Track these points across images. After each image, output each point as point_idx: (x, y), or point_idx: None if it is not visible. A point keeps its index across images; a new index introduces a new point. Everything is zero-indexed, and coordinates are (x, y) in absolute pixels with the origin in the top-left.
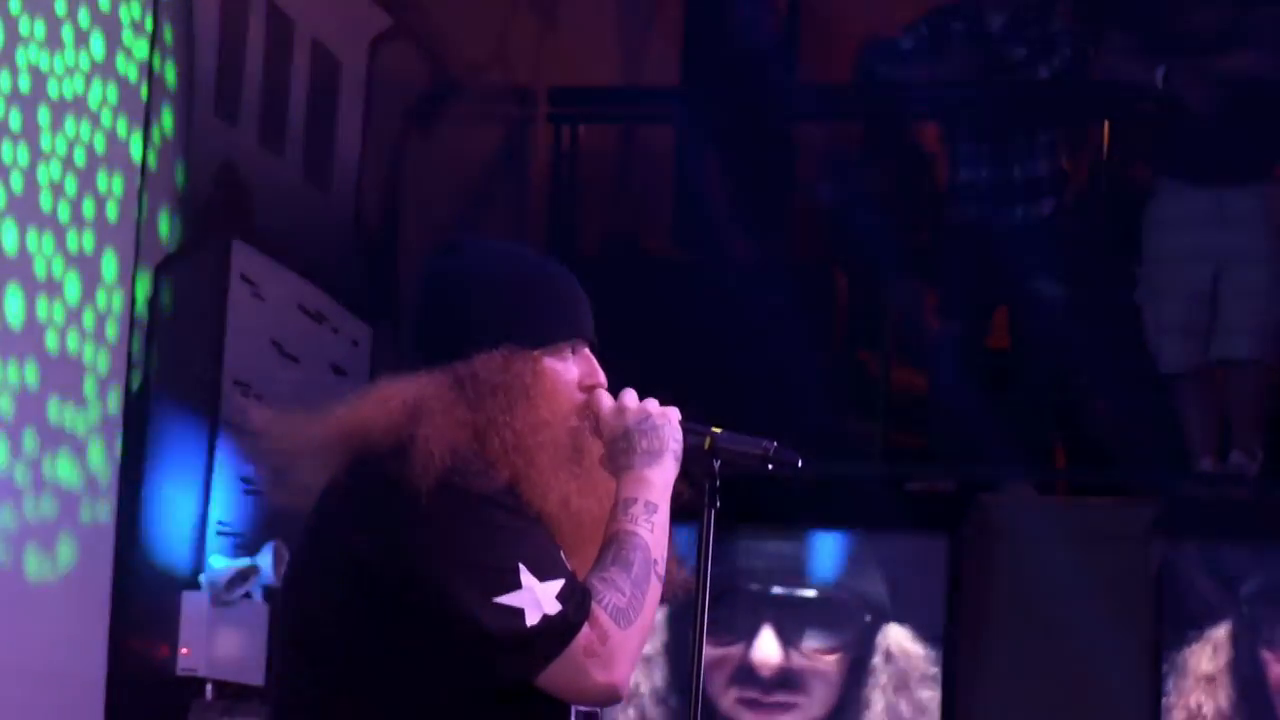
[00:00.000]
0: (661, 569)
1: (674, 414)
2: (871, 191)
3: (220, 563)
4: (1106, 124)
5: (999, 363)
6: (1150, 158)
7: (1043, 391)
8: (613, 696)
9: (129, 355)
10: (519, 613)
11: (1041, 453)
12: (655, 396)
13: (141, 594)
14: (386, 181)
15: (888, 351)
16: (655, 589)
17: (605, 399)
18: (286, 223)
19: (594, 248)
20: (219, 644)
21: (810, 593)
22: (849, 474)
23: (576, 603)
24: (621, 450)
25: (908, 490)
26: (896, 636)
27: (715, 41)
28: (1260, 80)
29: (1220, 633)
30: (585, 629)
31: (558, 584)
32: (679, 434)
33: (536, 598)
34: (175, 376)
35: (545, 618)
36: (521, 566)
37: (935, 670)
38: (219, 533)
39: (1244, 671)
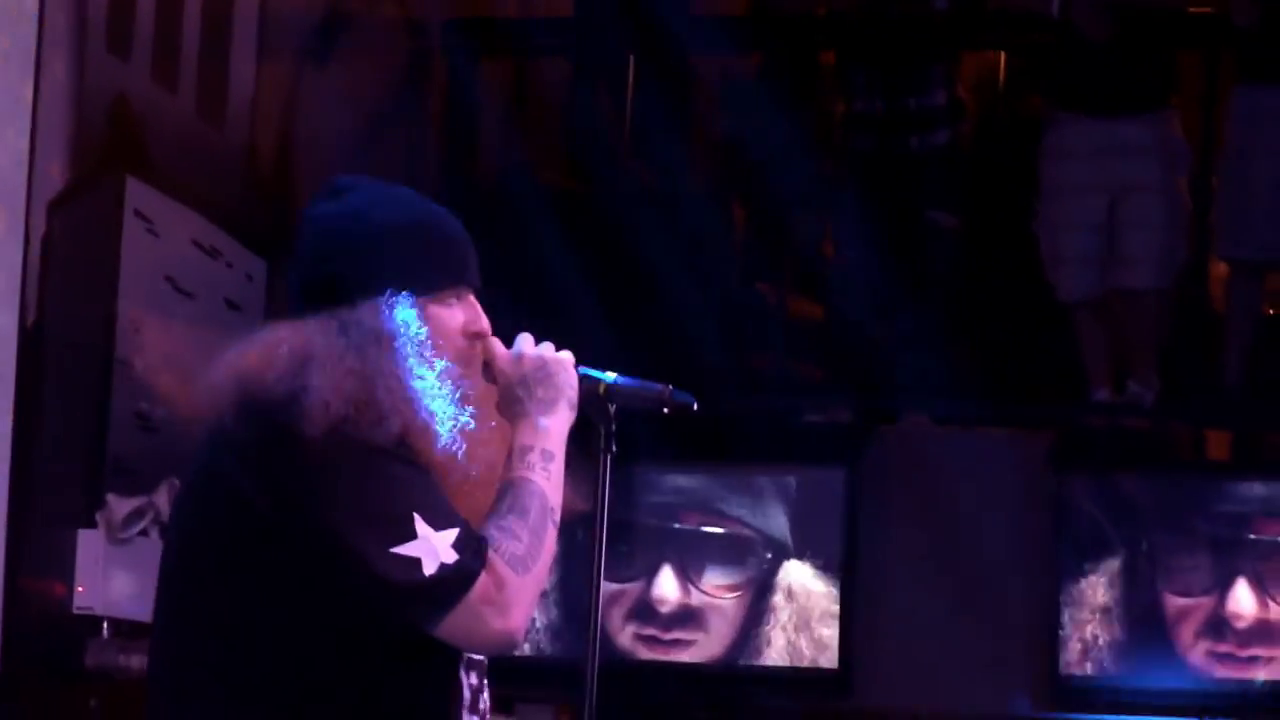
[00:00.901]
0: (558, 517)
1: (569, 360)
2: (768, 123)
3: (116, 500)
4: (1002, 54)
5: (896, 293)
6: (1045, 88)
7: (940, 322)
8: (509, 644)
9: (22, 292)
10: (416, 562)
11: (939, 384)
12: (552, 330)
13: (37, 532)
14: (281, 116)
15: (785, 283)
16: (552, 536)
17: (499, 346)
18: (180, 158)
19: (490, 180)
20: (115, 582)
21: (711, 529)
22: (747, 407)
23: (473, 551)
24: (517, 398)
25: (806, 422)
26: (798, 573)
27: None
28: (1155, 10)
29: (1116, 564)
30: (483, 577)
31: (453, 533)
32: (574, 380)
33: (433, 546)
34: (69, 312)
35: (442, 566)
36: (417, 516)
37: (836, 608)
38: (114, 470)
39: (1140, 602)
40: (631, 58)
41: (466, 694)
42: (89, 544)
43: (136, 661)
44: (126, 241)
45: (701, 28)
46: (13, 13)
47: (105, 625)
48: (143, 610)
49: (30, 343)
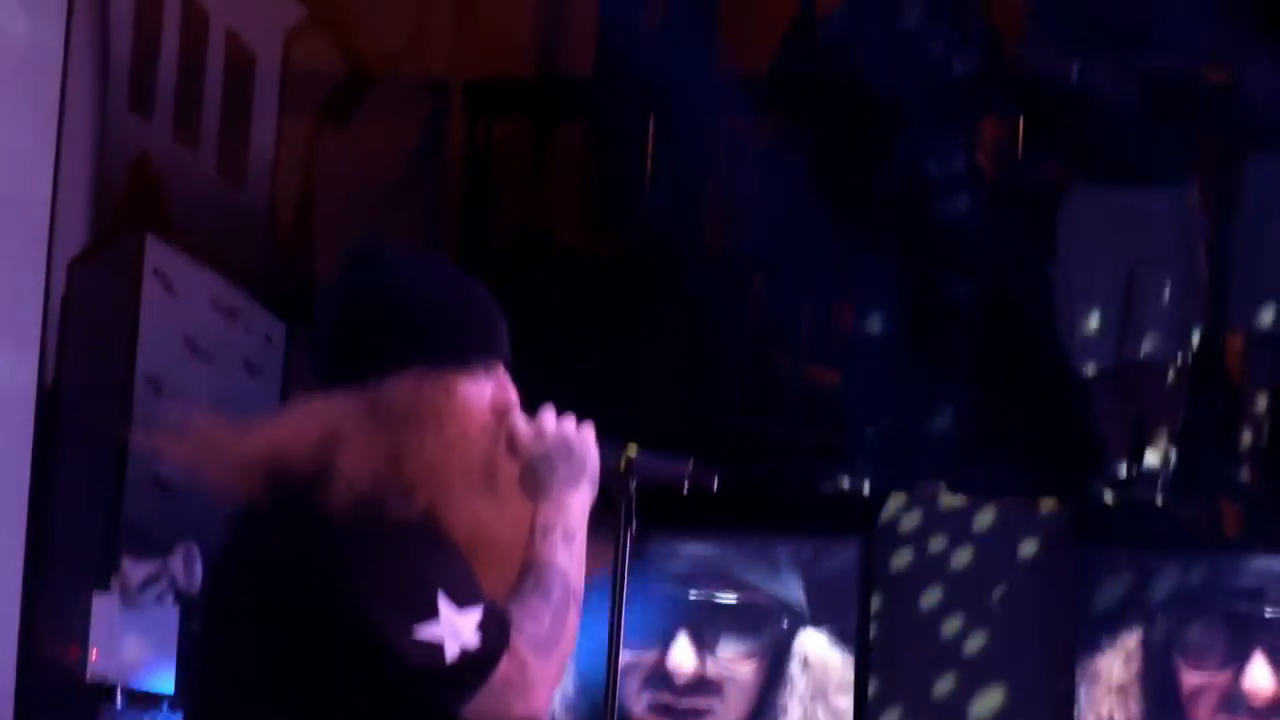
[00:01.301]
0: (580, 597)
1: (590, 435)
2: (788, 187)
3: (131, 564)
4: (1021, 121)
5: (915, 361)
6: (1065, 156)
7: (957, 391)
8: None
9: (41, 351)
10: (438, 647)
11: (955, 453)
12: (566, 392)
13: (52, 596)
14: (301, 175)
15: (801, 350)
16: (574, 617)
17: (522, 421)
18: (201, 217)
19: (508, 242)
20: (129, 647)
21: (726, 597)
22: (763, 474)
23: (496, 632)
24: (539, 474)
25: (821, 491)
26: (813, 642)
27: (631, 34)
28: (1176, 78)
29: (1132, 639)
30: (505, 659)
31: (476, 612)
32: (596, 456)
33: (456, 628)
34: (87, 373)
35: (464, 652)
36: (441, 595)
37: (851, 678)
38: (130, 533)
39: (1155, 679)
40: (651, 119)
41: None
42: (104, 608)
43: None
44: (146, 301)
45: (722, 89)
46: (37, 71)
47: (119, 694)
48: (156, 678)
49: (48, 402)
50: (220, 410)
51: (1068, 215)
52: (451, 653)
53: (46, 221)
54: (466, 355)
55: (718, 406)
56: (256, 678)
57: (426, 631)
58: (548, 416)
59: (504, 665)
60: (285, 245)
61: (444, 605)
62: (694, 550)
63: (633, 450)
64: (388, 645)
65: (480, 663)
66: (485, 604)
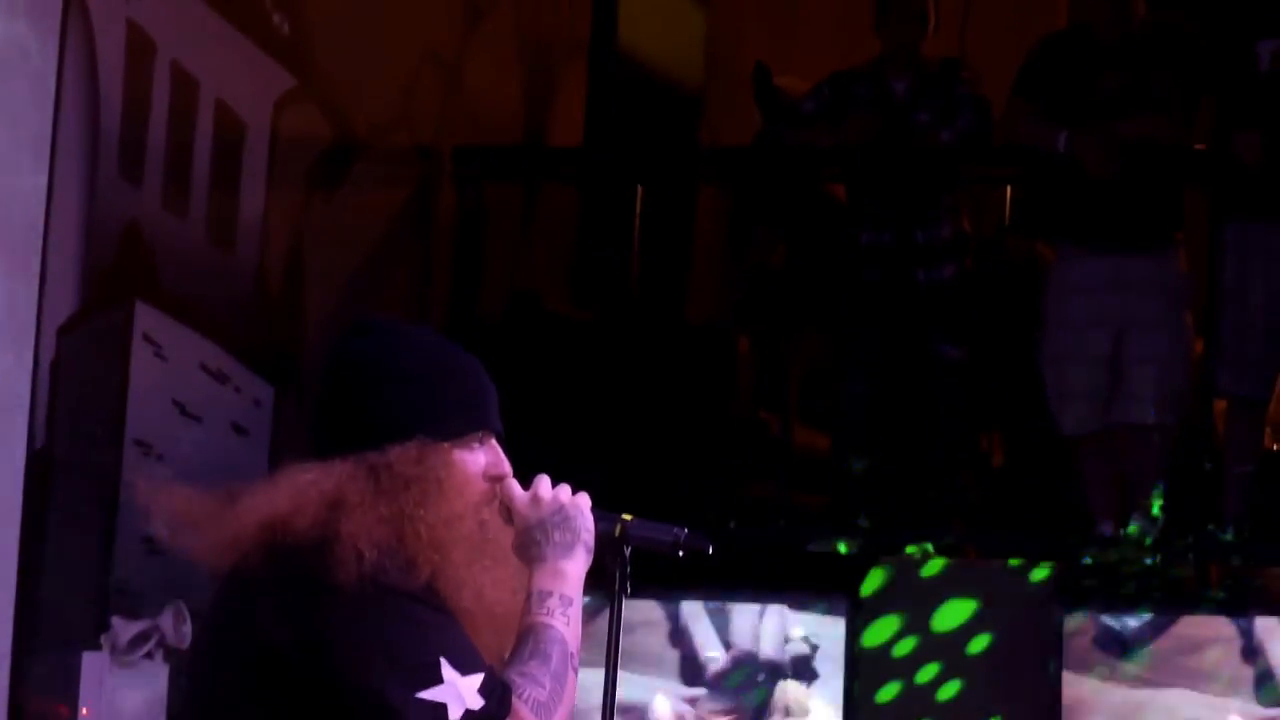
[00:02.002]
0: (577, 662)
1: (585, 502)
2: (773, 252)
3: (121, 623)
4: (1008, 189)
5: (902, 425)
6: (1052, 223)
7: (945, 454)
8: None
9: (31, 416)
10: (443, 708)
11: (943, 515)
12: (557, 461)
13: (42, 654)
14: (290, 242)
15: (789, 412)
16: (573, 682)
17: (517, 489)
18: (190, 283)
19: (497, 307)
20: (119, 704)
21: (709, 654)
22: (750, 535)
23: (498, 698)
24: (535, 541)
25: (809, 552)
26: (796, 695)
27: (619, 103)
28: (1161, 146)
29: (1118, 699)
30: None
31: (479, 678)
32: (590, 523)
33: (459, 692)
34: (77, 436)
35: (469, 713)
36: (444, 661)
37: None
38: (119, 592)
39: None
40: (640, 188)
41: None
42: (93, 666)
43: None
44: (135, 366)
45: (710, 158)
46: (26, 139)
47: None
48: None
49: (38, 465)
50: (209, 472)
51: (1054, 281)
52: (455, 715)
53: (36, 287)
54: (464, 427)
55: (706, 469)
56: None
57: (430, 695)
58: (543, 484)
59: None
60: (274, 311)
61: (447, 670)
62: (676, 607)
63: (627, 517)
64: (392, 708)
65: None
66: (487, 669)
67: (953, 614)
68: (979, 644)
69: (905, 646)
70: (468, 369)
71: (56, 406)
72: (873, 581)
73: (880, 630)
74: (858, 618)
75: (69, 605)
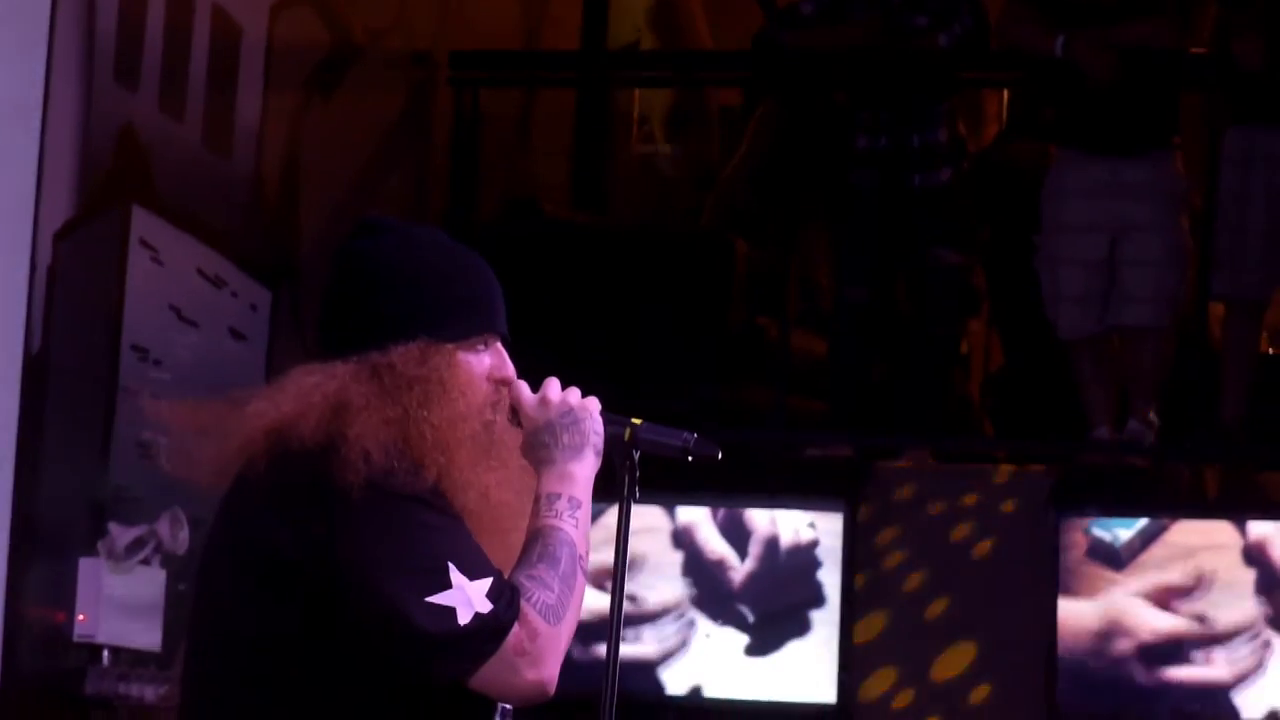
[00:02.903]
0: (586, 564)
1: (594, 405)
2: (771, 155)
3: (118, 529)
4: (1005, 93)
5: (899, 329)
6: (1049, 127)
7: (941, 359)
8: (542, 694)
9: (27, 321)
10: (451, 612)
11: (939, 420)
12: (554, 367)
13: (39, 560)
14: (287, 147)
15: (787, 317)
16: (582, 585)
17: (526, 392)
18: (186, 188)
19: (494, 211)
20: (116, 609)
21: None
22: (748, 441)
23: (507, 601)
24: (544, 443)
25: (807, 457)
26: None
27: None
28: (1158, 50)
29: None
30: (516, 627)
31: (487, 582)
32: (600, 426)
33: (468, 596)
34: (73, 341)
35: (478, 616)
36: (452, 566)
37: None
38: (116, 498)
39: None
40: (637, 90)
41: None
42: (90, 572)
43: (136, 690)
44: (132, 270)
45: (707, 60)
46: (23, 44)
47: (105, 653)
48: (143, 639)
49: (35, 371)
50: (206, 377)
51: (1051, 185)
52: (465, 618)
53: (32, 192)
54: (469, 329)
55: (704, 374)
56: (260, 647)
57: (439, 598)
58: (553, 387)
59: (515, 633)
60: (270, 215)
61: (455, 575)
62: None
63: (637, 421)
64: (401, 612)
65: (493, 630)
66: (495, 573)
67: (952, 517)
68: (978, 548)
69: (903, 549)
70: (475, 271)
71: (53, 312)
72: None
73: (880, 532)
74: (856, 523)
75: (65, 511)
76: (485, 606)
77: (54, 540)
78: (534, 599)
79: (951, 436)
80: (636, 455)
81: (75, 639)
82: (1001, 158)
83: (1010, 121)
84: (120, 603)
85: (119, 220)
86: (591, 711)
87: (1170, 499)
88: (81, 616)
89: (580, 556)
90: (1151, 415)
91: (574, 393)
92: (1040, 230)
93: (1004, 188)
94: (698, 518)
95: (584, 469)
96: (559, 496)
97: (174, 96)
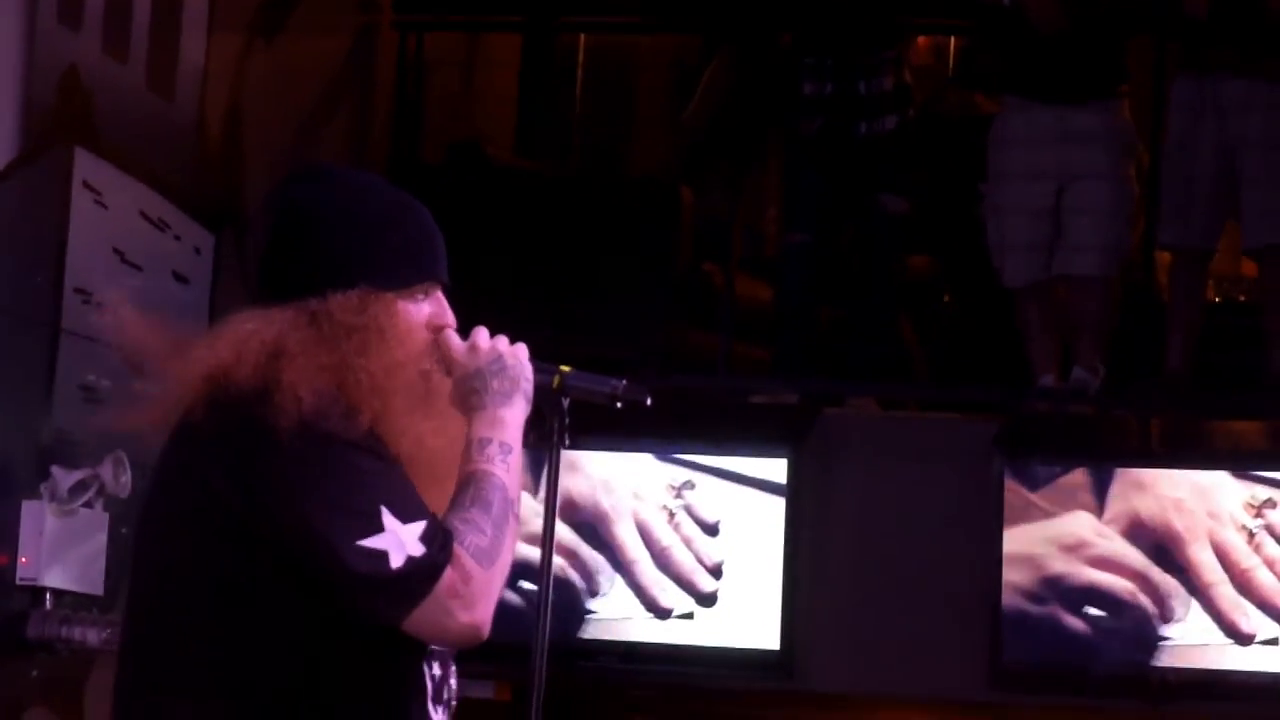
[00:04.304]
0: (519, 509)
1: (523, 352)
2: (718, 102)
3: (60, 472)
4: (953, 40)
5: (843, 276)
6: (995, 75)
7: (885, 307)
8: (476, 637)
9: None
10: (383, 555)
11: (885, 368)
12: (498, 313)
13: None
14: (230, 89)
15: (732, 264)
16: (514, 528)
17: (455, 339)
18: (129, 130)
19: (438, 156)
20: (58, 553)
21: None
22: (693, 387)
23: (439, 544)
24: (474, 390)
25: (751, 404)
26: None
27: None
28: None
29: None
30: (448, 570)
31: (420, 525)
32: (529, 372)
33: (400, 540)
34: (16, 284)
35: (410, 559)
36: (384, 509)
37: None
38: (59, 441)
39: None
40: (582, 36)
41: (429, 685)
42: (33, 515)
43: (79, 633)
44: (75, 213)
45: (654, 5)
46: None
47: (48, 597)
48: (86, 582)
49: None
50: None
51: (998, 133)
52: (397, 561)
53: None
54: (409, 277)
55: (649, 320)
56: (195, 592)
57: (372, 542)
58: (481, 334)
59: (448, 575)
60: (214, 158)
61: (388, 519)
62: (616, 462)
63: (565, 368)
64: (332, 555)
65: (426, 572)
66: (429, 517)
67: (895, 467)
68: (922, 497)
69: (848, 500)
70: (415, 218)
71: None
72: (815, 435)
73: (823, 483)
74: (800, 471)
75: (8, 454)
76: (418, 550)
77: None
78: (467, 542)
79: (896, 384)
80: (566, 403)
81: (18, 582)
82: (947, 106)
83: (957, 69)
84: (63, 546)
85: (61, 162)
86: (524, 657)
87: (1115, 447)
88: (24, 560)
89: (512, 501)
90: (1097, 364)
91: (502, 340)
92: (986, 179)
93: (950, 136)
94: (644, 466)
95: (514, 414)
96: (490, 441)
97: (117, 38)
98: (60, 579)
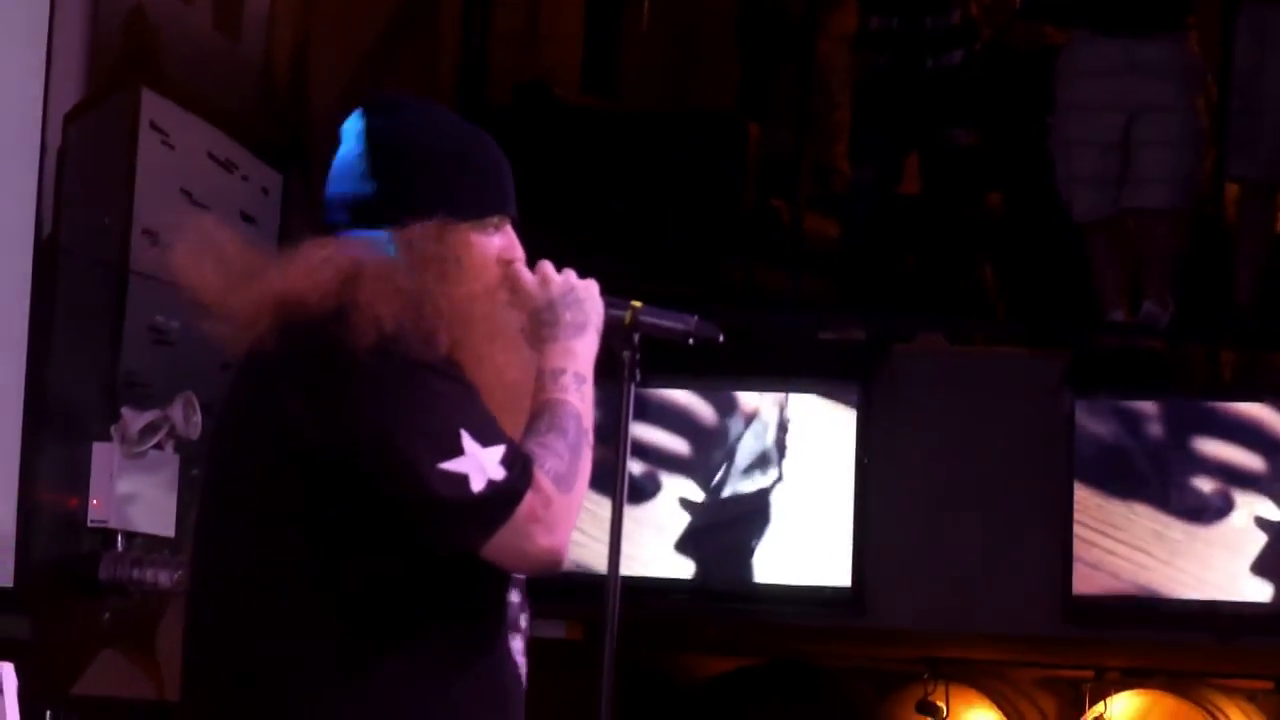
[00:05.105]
0: (591, 439)
1: (594, 286)
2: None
3: (130, 414)
4: None
5: (912, 211)
6: (1062, 7)
7: (954, 241)
8: (555, 561)
9: (38, 205)
10: (464, 479)
11: (953, 303)
12: (567, 249)
13: (52, 446)
14: (296, 27)
15: (800, 200)
16: (589, 456)
17: (526, 272)
18: (196, 70)
19: (504, 94)
20: (130, 494)
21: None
22: (761, 323)
23: (520, 468)
24: (546, 322)
25: (820, 340)
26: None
27: None
28: None
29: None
30: (529, 495)
31: (500, 449)
32: (600, 306)
33: (481, 463)
34: (84, 225)
35: (491, 483)
36: (464, 432)
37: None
38: (129, 383)
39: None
40: None
41: (510, 613)
42: (104, 457)
43: (150, 575)
44: (142, 154)
45: None
46: None
47: (120, 539)
48: (156, 523)
49: (45, 255)
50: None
51: (1065, 65)
52: (478, 485)
53: (42, 75)
54: (483, 209)
55: (717, 257)
56: (273, 520)
57: (452, 465)
58: (549, 267)
59: (528, 500)
60: (280, 98)
61: (468, 442)
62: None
63: (637, 304)
64: (414, 478)
65: (507, 495)
66: (508, 441)
67: (964, 402)
68: (991, 432)
69: (917, 435)
70: (488, 150)
71: (63, 195)
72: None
73: (893, 419)
74: (870, 407)
75: (78, 396)
76: (499, 473)
77: (67, 426)
78: (546, 467)
79: (965, 319)
80: (637, 338)
81: (89, 524)
82: (1016, 39)
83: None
84: (134, 487)
85: (128, 103)
86: (596, 593)
87: (1185, 381)
88: (95, 502)
89: (587, 430)
90: (1167, 298)
91: (571, 274)
92: (1054, 112)
93: (1019, 69)
94: (711, 401)
95: (586, 346)
96: (564, 371)
97: None
98: (131, 521)
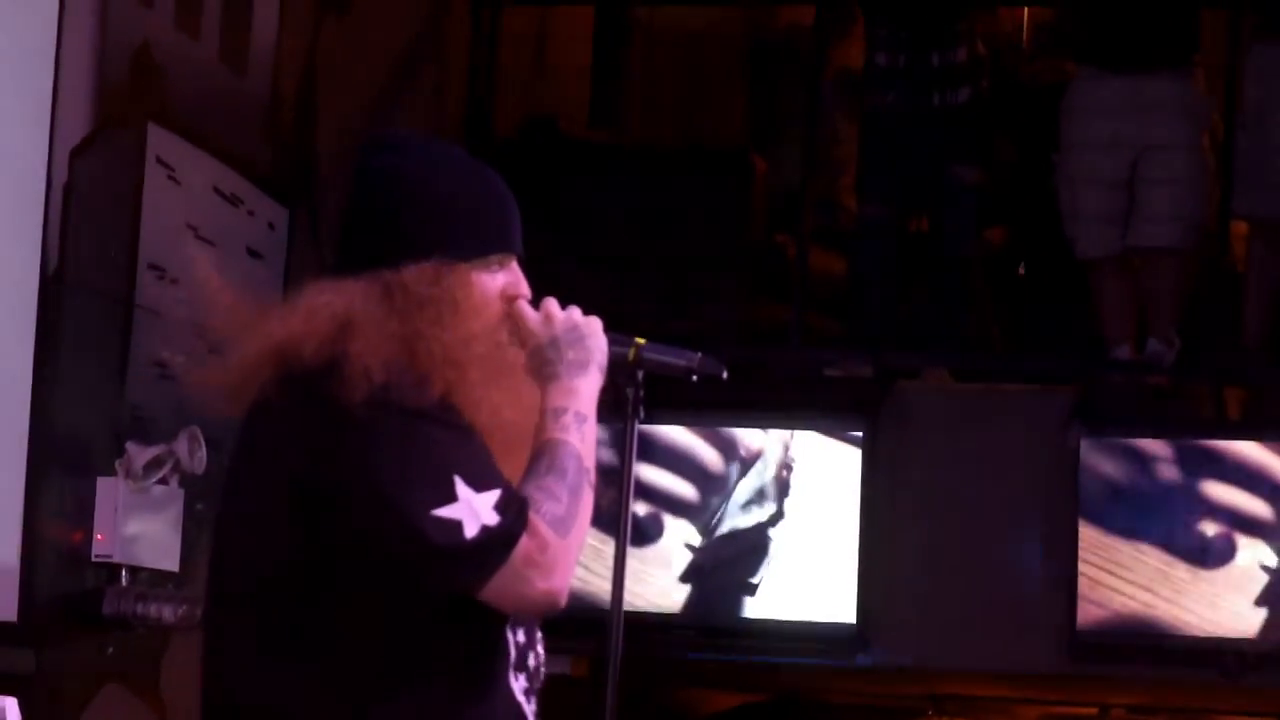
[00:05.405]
0: (593, 478)
1: (598, 324)
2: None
3: (135, 449)
4: (1025, 10)
5: (917, 248)
6: (1069, 44)
7: (960, 278)
8: (553, 604)
9: (44, 239)
10: (458, 525)
11: (959, 340)
12: (575, 287)
13: (56, 480)
14: (303, 63)
15: (805, 236)
16: (589, 497)
17: (529, 310)
18: (203, 106)
19: (511, 130)
20: (134, 529)
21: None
22: (765, 360)
23: (515, 513)
24: (548, 360)
25: (825, 376)
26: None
27: None
28: None
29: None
30: (524, 539)
31: (494, 494)
32: (604, 343)
33: (475, 509)
34: (90, 260)
35: (485, 529)
36: (457, 478)
37: (854, 563)
38: (134, 418)
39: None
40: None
41: (513, 652)
42: (108, 492)
43: (154, 610)
44: (148, 189)
45: None
46: None
47: (124, 573)
48: (161, 558)
49: (51, 290)
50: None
51: (1072, 102)
52: (472, 531)
53: (48, 110)
54: (484, 247)
55: (722, 293)
56: (277, 569)
57: (446, 511)
58: (553, 304)
59: (524, 543)
60: (287, 133)
61: (461, 488)
62: (688, 436)
63: (641, 340)
64: (409, 527)
65: (502, 540)
66: (504, 485)
67: (971, 438)
68: (996, 470)
69: (922, 472)
70: (491, 187)
71: (69, 229)
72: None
73: (898, 456)
74: (874, 443)
75: (83, 431)
76: (492, 519)
77: (71, 460)
78: (543, 510)
79: (971, 355)
80: (641, 375)
81: (93, 559)
82: (1022, 76)
83: (1031, 39)
84: (138, 522)
85: (135, 138)
86: (600, 630)
87: (1191, 419)
88: (99, 536)
89: (587, 470)
90: (1173, 335)
91: (575, 310)
92: (1060, 149)
93: (1026, 105)
94: (714, 438)
95: (589, 384)
96: (565, 411)
97: (190, 13)
98: (135, 556)
